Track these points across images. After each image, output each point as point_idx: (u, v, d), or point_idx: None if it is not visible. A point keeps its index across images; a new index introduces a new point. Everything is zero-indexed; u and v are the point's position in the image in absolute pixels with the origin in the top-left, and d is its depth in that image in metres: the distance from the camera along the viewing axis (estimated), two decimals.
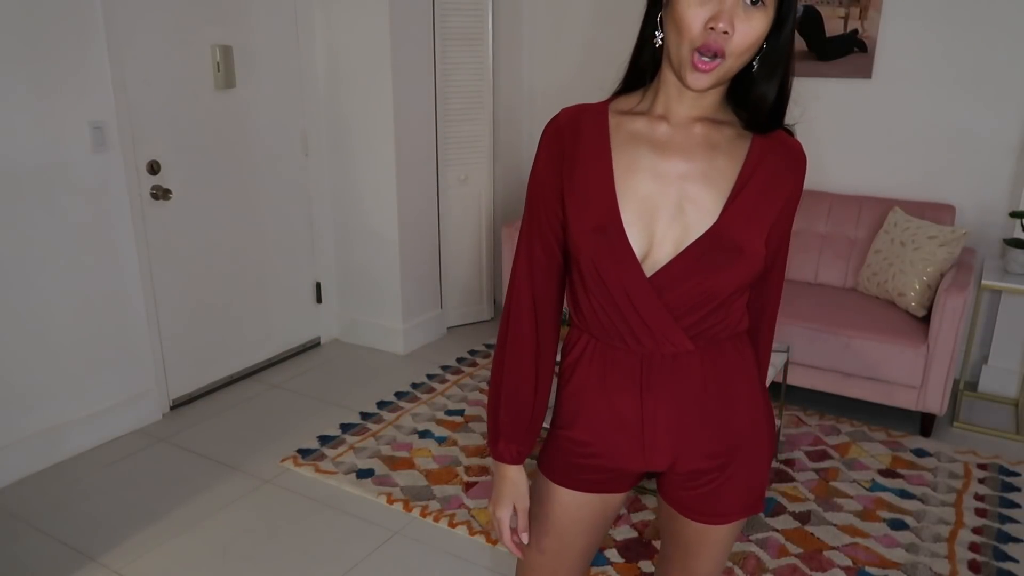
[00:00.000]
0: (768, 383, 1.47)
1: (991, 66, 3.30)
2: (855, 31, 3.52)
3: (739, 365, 1.22)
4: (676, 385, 1.17)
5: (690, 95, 1.09)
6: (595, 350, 1.21)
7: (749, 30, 1.00)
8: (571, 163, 1.15)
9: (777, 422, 2.86)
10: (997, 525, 2.53)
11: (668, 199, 1.11)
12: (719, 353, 1.19)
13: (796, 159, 1.16)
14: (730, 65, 1.03)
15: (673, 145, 1.12)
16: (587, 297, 1.17)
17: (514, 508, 1.31)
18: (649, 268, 1.11)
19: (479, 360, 3.81)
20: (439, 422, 3.18)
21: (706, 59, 1.01)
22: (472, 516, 2.54)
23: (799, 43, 3.65)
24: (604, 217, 1.11)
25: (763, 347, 1.30)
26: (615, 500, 1.32)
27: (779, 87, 1.10)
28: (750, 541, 2.43)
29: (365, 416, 3.23)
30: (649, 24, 1.10)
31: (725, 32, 0.99)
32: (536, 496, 1.34)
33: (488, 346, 3.98)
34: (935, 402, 2.98)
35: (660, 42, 1.09)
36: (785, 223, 1.18)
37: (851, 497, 2.68)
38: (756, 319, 1.27)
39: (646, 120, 1.13)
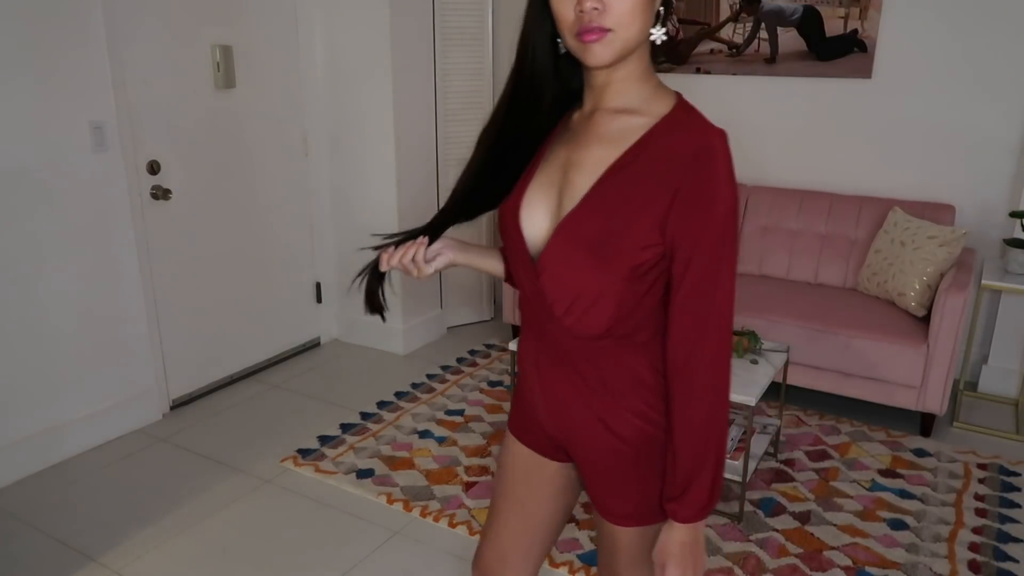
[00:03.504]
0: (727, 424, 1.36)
1: (991, 66, 3.31)
2: (855, 31, 3.52)
3: (627, 379, 1.15)
4: (562, 375, 1.21)
5: (595, 85, 1.12)
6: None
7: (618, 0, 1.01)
8: None
9: (777, 422, 2.86)
10: (997, 525, 2.53)
11: (555, 187, 1.14)
12: (604, 356, 1.14)
13: (694, 150, 1.03)
14: (623, 37, 1.03)
15: (573, 134, 1.16)
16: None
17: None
18: (537, 253, 1.15)
19: (479, 360, 3.81)
20: (439, 422, 3.18)
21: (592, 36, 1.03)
22: (472, 516, 2.54)
23: (799, 43, 3.66)
24: (511, 201, 1.19)
25: (676, 398, 1.10)
26: (548, 468, 1.35)
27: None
28: (750, 541, 2.43)
29: (365, 416, 3.23)
30: (544, 35, 1.12)
31: (595, 8, 1.01)
32: (499, 455, 1.44)
33: (488, 346, 3.98)
34: (935, 402, 2.98)
35: (563, 49, 1.11)
36: (687, 226, 1.03)
37: (851, 497, 2.68)
38: (668, 356, 1.10)
39: (579, 113, 1.18)
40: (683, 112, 1.09)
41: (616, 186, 1.07)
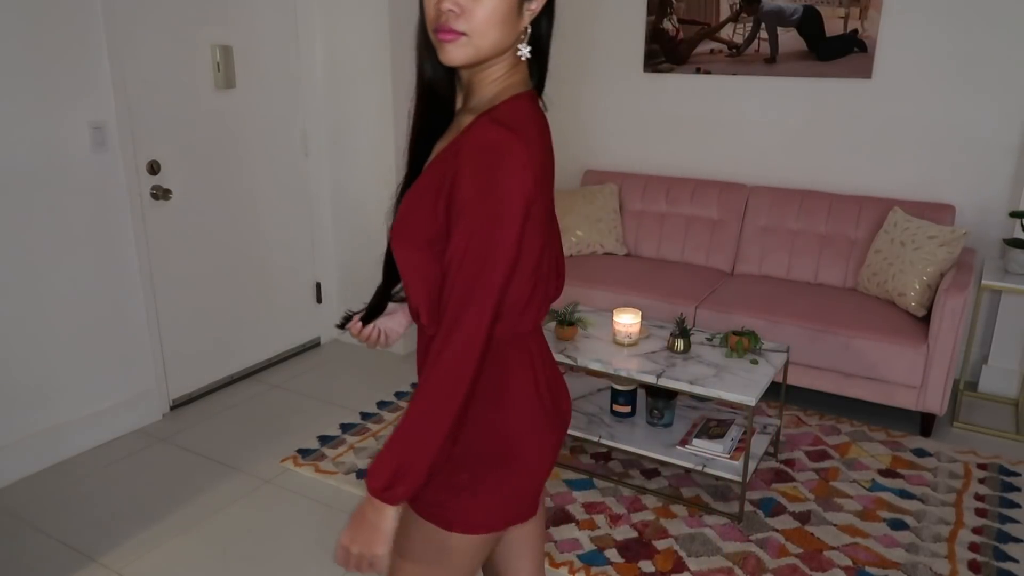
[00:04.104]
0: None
1: (991, 66, 3.31)
2: (855, 31, 3.52)
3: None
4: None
5: (463, 83, 1.17)
6: None
7: (476, 6, 1.05)
8: None
9: (777, 422, 2.86)
10: (997, 525, 2.53)
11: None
12: (430, 346, 1.12)
13: (464, 147, 1.05)
14: (477, 44, 1.07)
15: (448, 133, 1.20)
16: None
17: None
18: None
19: None
20: None
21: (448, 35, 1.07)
22: None
23: (799, 43, 3.66)
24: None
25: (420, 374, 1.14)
26: None
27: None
28: (750, 541, 2.43)
29: (365, 416, 3.23)
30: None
31: (452, 11, 1.05)
32: None
33: None
34: (935, 402, 2.98)
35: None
36: (454, 227, 1.05)
37: (851, 497, 2.68)
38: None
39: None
40: (495, 112, 1.09)
41: (426, 175, 1.13)
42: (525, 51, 1.13)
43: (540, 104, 1.18)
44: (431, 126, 1.20)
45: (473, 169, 1.03)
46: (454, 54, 1.07)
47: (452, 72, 1.17)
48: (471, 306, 1.03)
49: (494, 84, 1.13)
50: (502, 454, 1.19)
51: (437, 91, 1.18)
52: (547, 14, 1.14)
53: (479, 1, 1.05)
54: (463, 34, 1.06)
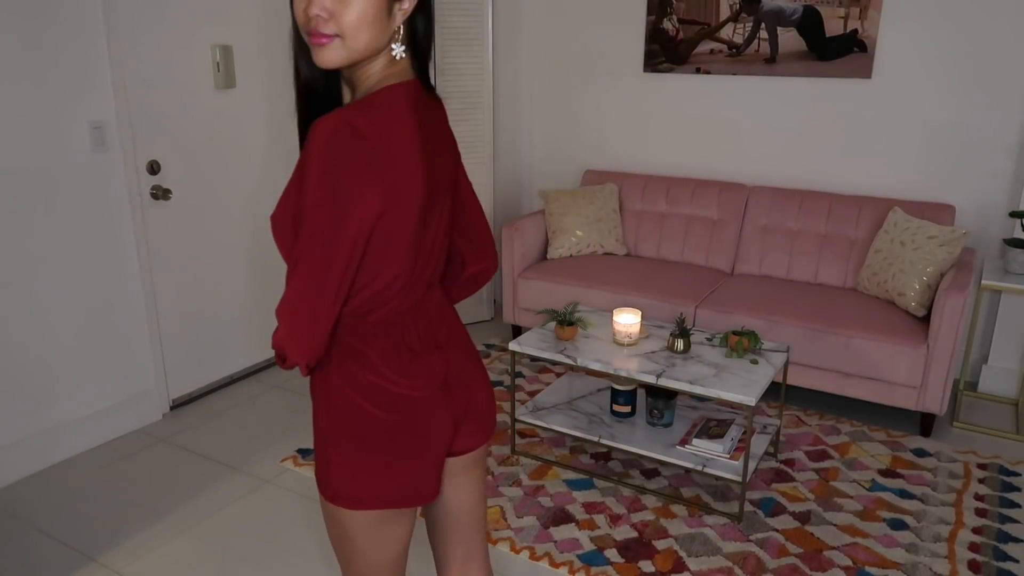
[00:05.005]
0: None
1: (991, 66, 3.31)
2: (855, 31, 3.52)
3: None
4: None
5: (344, 80, 1.20)
6: None
7: (344, 10, 1.08)
8: None
9: (777, 422, 2.86)
10: (997, 525, 2.53)
11: None
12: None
13: (312, 130, 1.09)
14: (349, 46, 1.10)
15: None
16: None
17: None
18: None
19: None
20: None
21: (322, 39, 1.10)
22: None
23: (799, 43, 3.66)
24: None
25: None
26: None
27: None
28: (750, 541, 2.43)
29: None
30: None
31: (320, 16, 1.08)
32: None
33: (489, 346, 3.98)
34: (935, 402, 2.98)
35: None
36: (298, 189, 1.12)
37: (851, 497, 2.68)
38: None
39: None
40: (350, 102, 1.16)
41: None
42: (399, 50, 1.16)
43: (423, 92, 1.20)
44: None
45: (307, 150, 1.07)
46: (327, 56, 1.11)
47: (330, 73, 1.19)
48: (291, 277, 1.11)
49: (370, 79, 1.17)
50: (355, 433, 1.22)
51: (315, 89, 1.21)
52: (423, 12, 1.18)
53: (347, 5, 1.08)
54: (335, 36, 1.10)
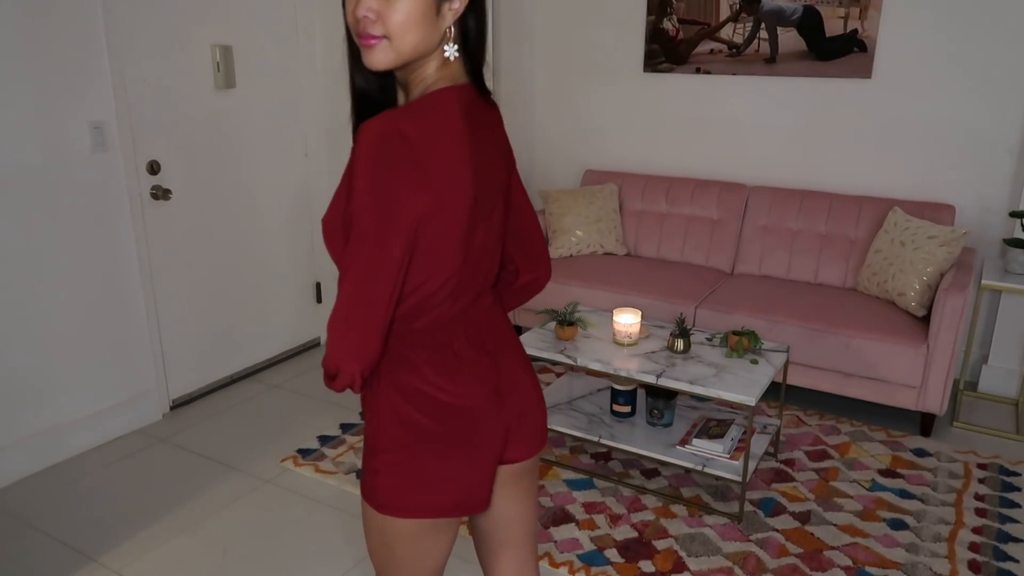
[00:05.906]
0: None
1: (991, 66, 3.31)
2: (855, 31, 3.52)
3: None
4: None
5: (398, 82, 1.19)
6: None
7: (391, 10, 1.07)
8: None
9: (777, 422, 2.86)
10: (997, 525, 2.53)
11: None
12: None
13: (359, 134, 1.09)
14: (398, 47, 1.10)
15: None
16: None
17: None
18: None
19: None
20: None
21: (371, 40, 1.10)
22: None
23: (799, 43, 3.66)
24: None
25: None
26: None
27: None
28: (750, 541, 2.43)
29: None
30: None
31: (367, 17, 1.08)
32: None
33: None
34: (935, 402, 2.98)
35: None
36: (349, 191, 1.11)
37: (851, 497, 2.68)
38: None
39: None
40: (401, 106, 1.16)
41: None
42: (451, 51, 1.15)
43: (476, 96, 1.20)
44: None
45: (355, 153, 1.07)
46: (376, 58, 1.10)
47: (384, 78, 1.18)
48: (352, 274, 1.08)
49: (424, 82, 1.15)
50: (404, 441, 1.20)
51: (370, 97, 1.20)
52: (474, 11, 1.16)
53: (392, 5, 1.07)
54: (383, 38, 1.09)
